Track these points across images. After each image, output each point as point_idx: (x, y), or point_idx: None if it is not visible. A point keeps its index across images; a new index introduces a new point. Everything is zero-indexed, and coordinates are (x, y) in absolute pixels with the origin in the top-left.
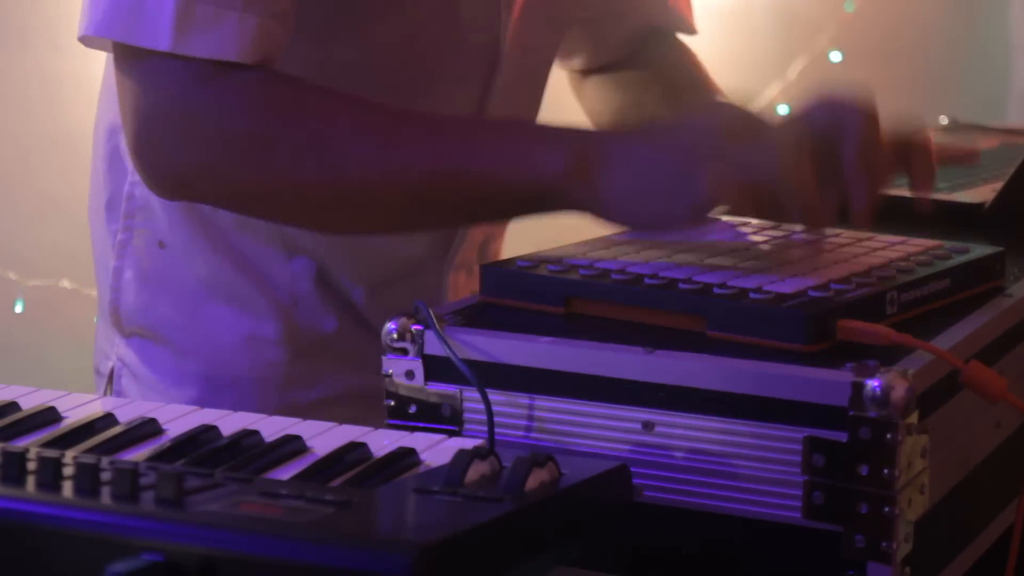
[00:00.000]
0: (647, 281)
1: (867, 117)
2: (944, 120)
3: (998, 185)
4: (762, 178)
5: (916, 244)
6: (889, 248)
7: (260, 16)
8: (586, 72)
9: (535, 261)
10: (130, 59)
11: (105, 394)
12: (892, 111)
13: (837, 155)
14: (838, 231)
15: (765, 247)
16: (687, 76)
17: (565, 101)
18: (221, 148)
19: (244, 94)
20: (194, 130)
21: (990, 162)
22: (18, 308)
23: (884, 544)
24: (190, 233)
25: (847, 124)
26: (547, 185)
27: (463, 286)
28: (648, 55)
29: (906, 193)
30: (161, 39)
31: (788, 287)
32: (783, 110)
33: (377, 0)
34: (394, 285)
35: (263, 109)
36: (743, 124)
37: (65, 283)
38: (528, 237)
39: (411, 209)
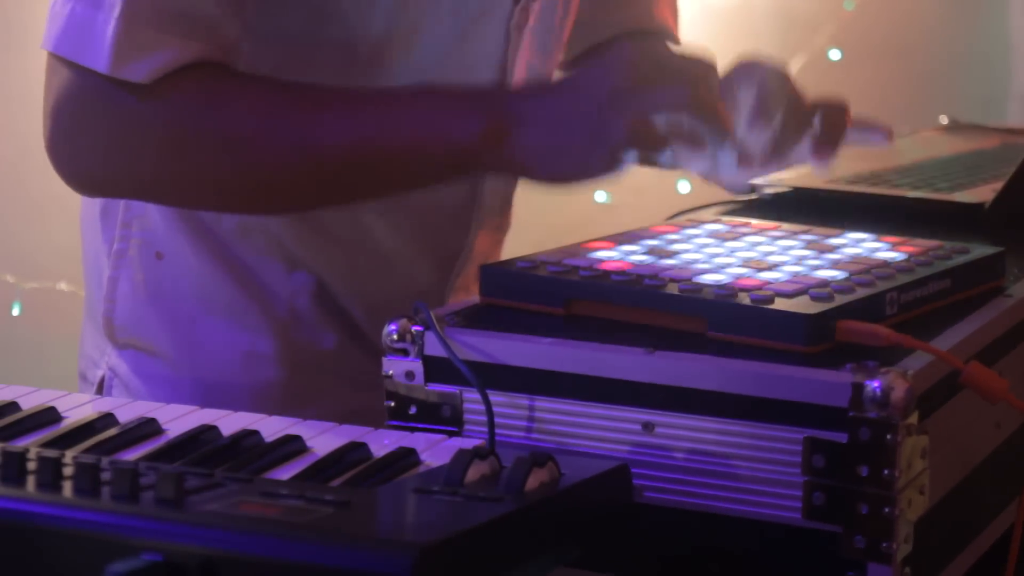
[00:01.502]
0: (647, 282)
1: (777, 73)
2: (944, 120)
3: (998, 185)
4: (674, 112)
5: (916, 244)
6: (889, 248)
7: (201, 42)
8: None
9: (535, 262)
10: (62, 64)
11: None
12: (891, 110)
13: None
14: (838, 231)
15: (765, 248)
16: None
17: None
18: (132, 155)
19: (157, 105)
20: (107, 136)
21: (990, 162)
22: (16, 310)
23: (884, 545)
24: (189, 243)
25: (757, 78)
26: (465, 151)
27: None
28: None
29: (906, 193)
30: (100, 61)
31: (788, 288)
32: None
33: (391, 43)
34: (395, 304)
35: (173, 117)
36: (652, 62)
37: (63, 285)
38: (528, 237)
39: (333, 188)
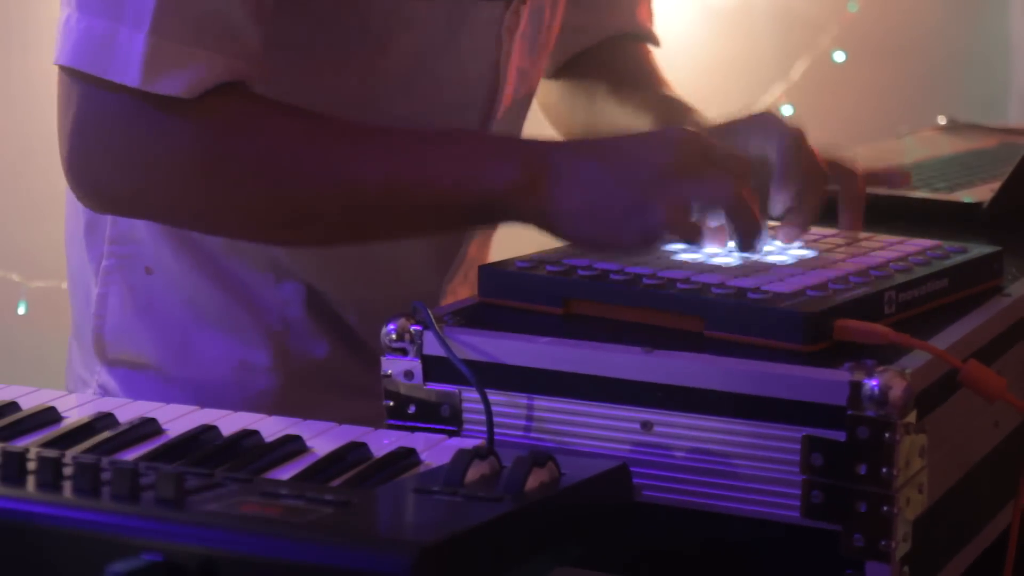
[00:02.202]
0: (645, 281)
1: (794, 139)
2: (942, 120)
3: (997, 185)
4: (713, 210)
5: (914, 244)
6: (887, 248)
7: (228, 55)
8: (545, 75)
9: (533, 262)
10: (81, 79)
11: None
12: (893, 110)
13: (768, 174)
14: (836, 230)
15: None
16: (640, 73)
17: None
18: (160, 176)
19: (192, 123)
20: (135, 155)
21: (989, 161)
22: (21, 309)
23: (883, 543)
24: (177, 256)
25: (777, 146)
26: (497, 198)
27: None
28: (607, 59)
29: (905, 193)
30: (130, 76)
31: (786, 287)
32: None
33: (379, 34)
34: (388, 311)
35: (207, 137)
36: (696, 146)
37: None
38: (527, 238)
39: (361, 224)
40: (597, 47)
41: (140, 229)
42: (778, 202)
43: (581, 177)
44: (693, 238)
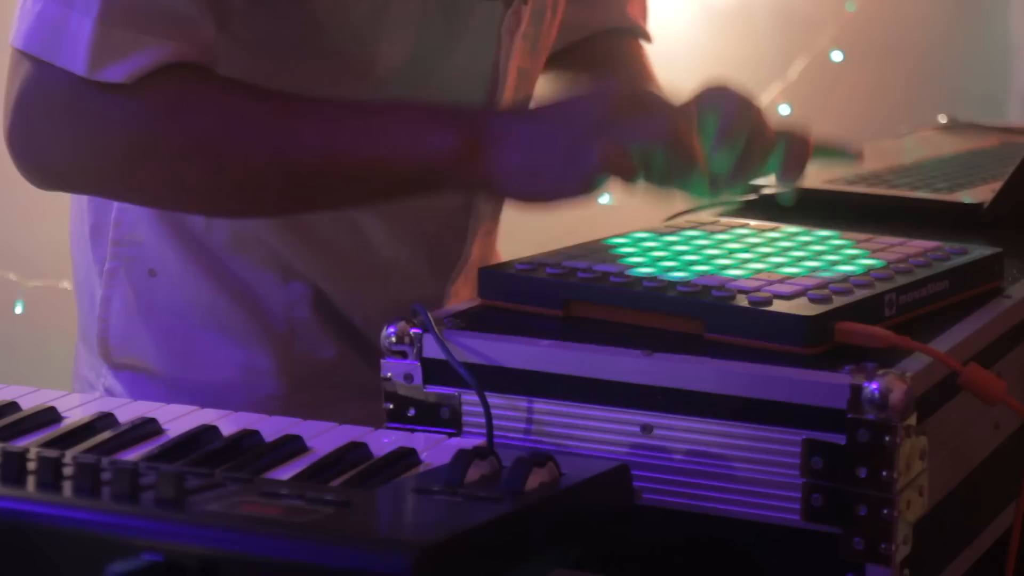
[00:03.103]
0: (645, 284)
1: (742, 101)
2: (943, 119)
3: (997, 185)
4: (650, 146)
5: (914, 246)
6: (887, 249)
7: (178, 41)
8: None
9: (533, 264)
10: (31, 61)
11: None
12: (892, 110)
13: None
14: (835, 232)
15: (763, 249)
16: (623, 67)
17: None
18: (98, 154)
19: (130, 104)
20: (73, 132)
21: (989, 161)
22: (18, 309)
23: (883, 546)
24: (181, 259)
25: (723, 106)
26: (439, 166)
27: None
28: (594, 53)
29: (905, 193)
30: (77, 63)
31: (786, 289)
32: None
33: (373, 33)
34: (393, 312)
35: (145, 117)
36: (631, 98)
37: (65, 284)
38: (528, 239)
39: (301, 196)
40: (587, 41)
41: (144, 231)
42: (721, 155)
43: (518, 137)
44: (630, 175)
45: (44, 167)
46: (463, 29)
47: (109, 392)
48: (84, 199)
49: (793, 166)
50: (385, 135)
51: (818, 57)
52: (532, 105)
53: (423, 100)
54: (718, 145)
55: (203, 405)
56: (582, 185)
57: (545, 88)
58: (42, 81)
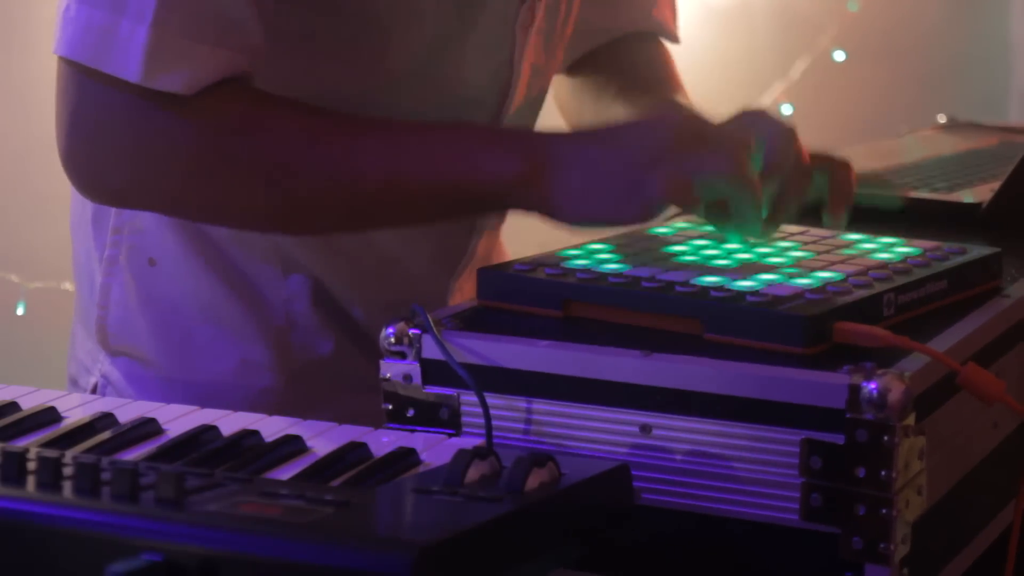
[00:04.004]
0: (644, 284)
1: (783, 130)
2: (942, 119)
3: (996, 184)
4: (713, 180)
5: (913, 245)
6: (886, 249)
7: (231, 49)
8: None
9: (532, 265)
10: (79, 71)
11: None
12: (893, 110)
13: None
14: (835, 232)
15: (761, 249)
16: (652, 79)
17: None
18: (161, 171)
19: (193, 121)
20: (136, 150)
21: (989, 161)
22: (20, 310)
23: (882, 545)
24: (182, 248)
25: (764, 135)
26: (500, 190)
27: None
28: (620, 59)
29: (905, 193)
30: (130, 70)
31: (785, 290)
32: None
33: (387, 27)
34: (395, 305)
35: (209, 135)
36: (694, 127)
37: (67, 285)
38: (529, 239)
39: (362, 217)
40: (613, 44)
41: (145, 220)
42: (767, 191)
43: (580, 162)
44: (691, 205)
45: (102, 185)
46: (477, 24)
47: (106, 378)
48: None
49: (840, 201)
50: (448, 158)
51: (820, 57)
52: (591, 125)
53: (486, 124)
54: (764, 177)
55: (199, 396)
56: (642, 212)
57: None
58: (96, 96)
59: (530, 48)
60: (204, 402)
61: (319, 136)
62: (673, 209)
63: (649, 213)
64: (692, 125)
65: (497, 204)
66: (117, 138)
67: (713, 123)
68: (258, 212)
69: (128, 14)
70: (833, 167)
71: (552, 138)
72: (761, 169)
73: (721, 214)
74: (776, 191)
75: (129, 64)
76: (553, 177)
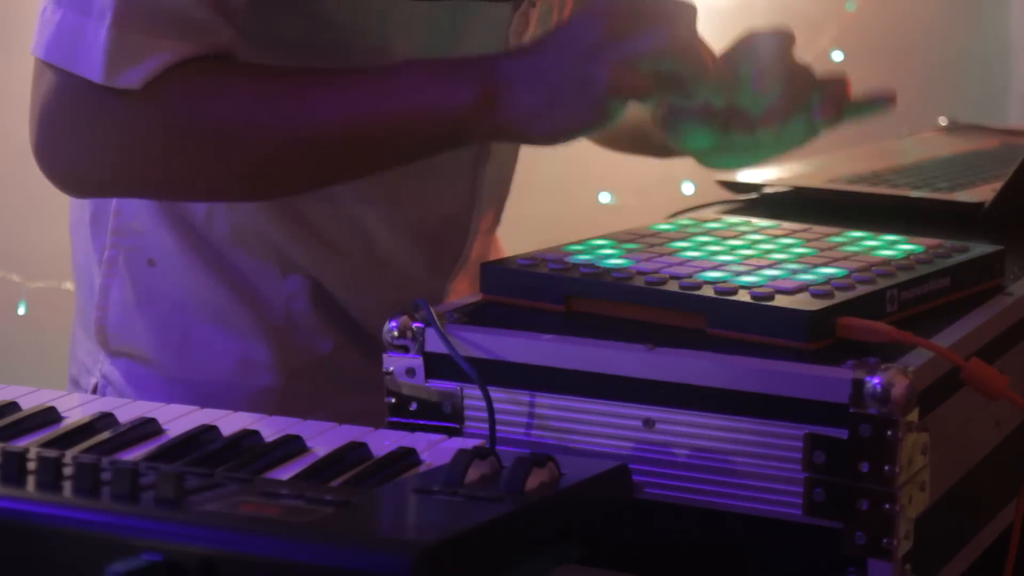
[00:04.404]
0: (647, 279)
1: (780, 42)
2: (944, 120)
3: (998, 185)
4: (658, 60)
5: (916, 243)
6: (889, 246)
7: (194, 43)
8: None
9: (535, 259)
10: (51, 70)
11: None
12: (893, 111)
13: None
14: (838, 229)
15: (765, 246)
16: None
17: None
18: (124, 158)
19: (148, 108)
20: (96, 140)
21: (990, 162)
22: (21, 310)
23: (885, 541)
24: (180, 249)
25: (762, 42)
26: (459, 119)
27: None
28: None
29: (906, 193)
30: (94, 70)
31: (788, 285)
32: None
33: (379, 34)
34: (393, 304)
35: (166, 119)
36: (626, 11)
37: (68, 285)
38: (530, 237)
39: (327, 167)
40: None
41: (144, 220)
42: (757, 97)
43: (528, 76)
44: (644, 92)
45: (73, 176)
46: (471, 31)
47: (106, 379)
48: None
49: (832, 106)
50: (401, 95)
51: (818, 57)
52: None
53: (434, 57)
54: (752, 87)
55: (199, 395)
56: (598, 113)
57: None
58: (64, 91)
59: None
60: (204, 401)
61: (269, 94)
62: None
63: (605, 112)
64: (622, 7)
65: (459, 134)
66: (81, 132)
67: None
68: (227, 180)
69: (92, 15)
70: (829, 79)
71: (500, 59)
72: (753, 77)
73: (678, 95)
74: (773, 98)
75: (93, 64)
76: (506, 98)
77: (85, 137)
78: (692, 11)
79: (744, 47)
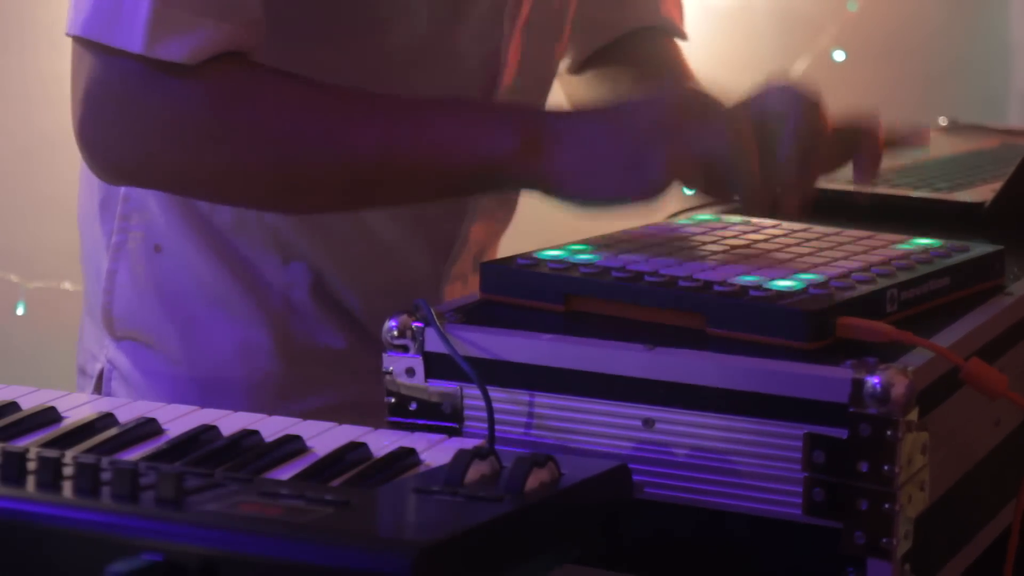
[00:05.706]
0: (647, 279)
1: (809, 103)
2: (944, 120)
3: (998, 185)
4: (713, 155)
5: (917, 242)
6: (889, 246)
7: (233, 24)
8: (569, 70)
9: (535, 259)
10: (90, 49)
11: None
12: (893, 110)
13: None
14: (838, 229)
15: (765, 244)
16: (665, 68)
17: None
18: (169, 141)
19: (198, 88)
20: (144, 122)
21: (990, 162)
22: (20, 310)
23: (884, 540)
24: (187, 235)
25: (789, 110)
26: (497, 163)
27: (459, 296)
28: (632, 52)
29: (906, 193)
30: (134, 42)
31: (788, 284)
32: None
33: (376, 13)
34: (391, 295)
35: (214, 102)
36: (694, 102)
37: (66, 285)
38: (530, 237)
39: (360, 191)
40: (623, 40)
41: (152, 206)
42: (784, 166)
43: (579, 137)
44: (693, 184)
45: (115, 161)
46: (470, 14)
47: (111, 363)
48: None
49: (868, 169)
50: (444, 132)
51: (820, 57)
52: (590, 106)
53: (484, 100)
54: (785, 152)
55: (202, 379)
56: (645, 190)
57: (591, 93)
58: (108, 73)
59: (516, 38)
60: (207, 385)
61: (317, 108)
62: (675, 202)
63: (652, 191)
64: (694, 102)
65: (495, 179)
66: (124, 111)
67: (715, 100)
68: (259, 184)
69: None
70: (861, 132)
71: (550, 114)
72: (783, 141)
73: (723, 189)
74: (800, 163)
75: (133, 36)
76: (551, 153)
77: (131, 118)
78: (747, 111)
79: (775, 103)
